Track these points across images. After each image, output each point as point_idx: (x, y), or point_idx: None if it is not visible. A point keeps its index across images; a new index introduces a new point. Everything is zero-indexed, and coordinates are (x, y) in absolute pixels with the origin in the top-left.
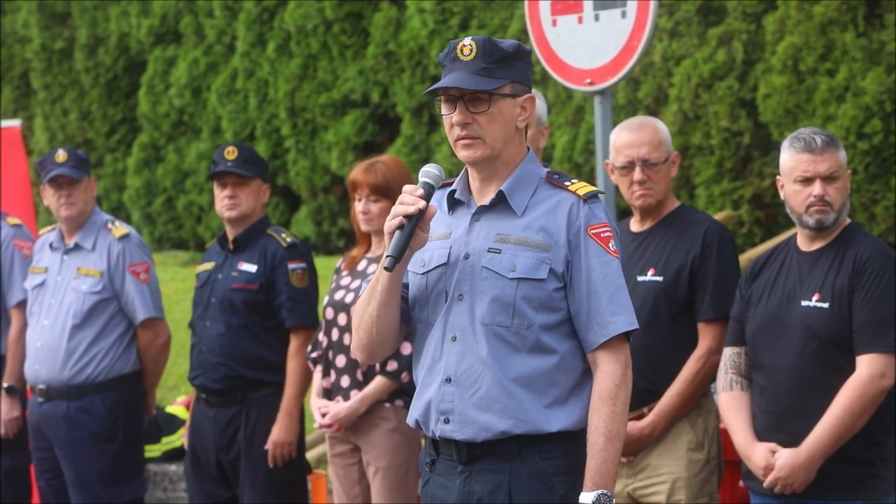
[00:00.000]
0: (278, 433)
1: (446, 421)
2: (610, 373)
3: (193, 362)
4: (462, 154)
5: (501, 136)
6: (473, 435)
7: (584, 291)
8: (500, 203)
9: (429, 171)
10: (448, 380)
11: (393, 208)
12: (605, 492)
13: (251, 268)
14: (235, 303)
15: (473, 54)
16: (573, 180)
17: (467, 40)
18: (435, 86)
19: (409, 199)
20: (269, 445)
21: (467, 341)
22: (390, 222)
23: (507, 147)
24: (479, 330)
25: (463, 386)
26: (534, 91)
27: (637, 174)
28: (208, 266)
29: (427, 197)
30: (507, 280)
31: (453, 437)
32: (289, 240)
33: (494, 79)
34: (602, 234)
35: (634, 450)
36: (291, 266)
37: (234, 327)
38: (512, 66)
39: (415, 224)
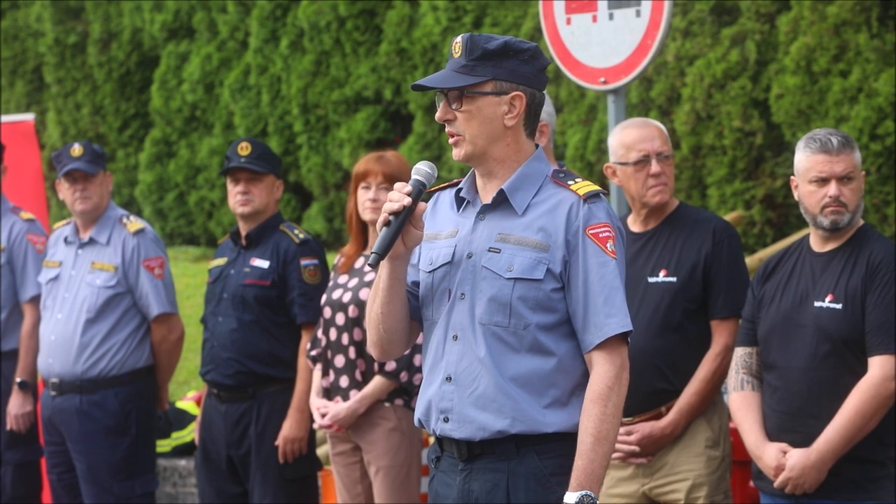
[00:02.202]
0: (289, 429)
1: (445, 420)
2: (603, 374)
3: (205, 357)
4: (453, 152)
5: (483, 134)
6: (471, 434)
7: (581, 292)
8: (503, 202)
9: (420, 169)
10: (448, 378)
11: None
12: (589, 493)
13: (263, 264)
14: (247, 298)
15: (460, 52)
16: (577, 179)
17: (458, 38)
18: (414, 83)
19: (395, 197)
20: (279, 441)
21: (467, 340)
22: (379, 218)
23: (495, 145)
24: (477, 329)
25: (462, 385)
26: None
27: (654, 167)
28: (221, 261)
29: (416, 194)
30: (503, 280)
31: (452, 435)
32: (301, 236)
33: (472, 76)
34: (601, 235)
35: (655, 449)
36: (304, 262)
37: (246, 323)
38: (498, 63)
39: (402, 221)
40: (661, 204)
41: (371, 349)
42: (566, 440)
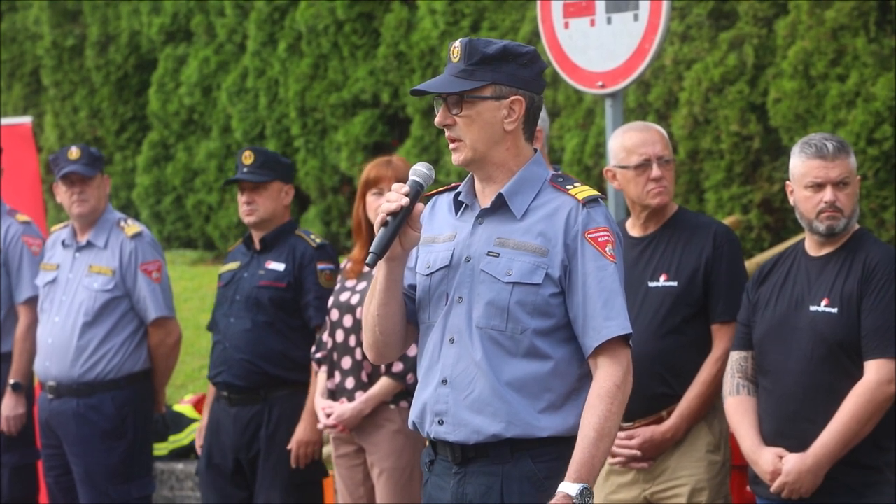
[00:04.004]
0: (302, 432)
1: (440, 422)
2: (611, 373)
3: (216, 360)
4: (453, 157)
5: (483, 139)
6: (465, 437)
7: (580, 297)
8: (502, 206)
9: (417, 170)
10: (444, 381)
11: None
12: (588, 486)
13: (279, 266)
14: (262, 300)
15: (459, 56)
16: (576, 184)
17: (457, 42)
18: (413, 88)
19: (393, 197)
20: (292, 445)
21: (463, 344)
22: (377, 219)
23: (495, 150)
24: (474, 333)
25: (457, 388)
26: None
27: (655, 171)
28: (233, 266)
29: (413, 195)
30: (502, 284)
31: (446, 438)
32: (318, 241)
33: (472, 80)
34: (600, 239)
35: (656, 454)
36: (320, 266)
37: (261, 324)
38: (497, 67)
39: (399, 222)
40: (661, 205)
41: (367, 352)
42: (560, 444)
